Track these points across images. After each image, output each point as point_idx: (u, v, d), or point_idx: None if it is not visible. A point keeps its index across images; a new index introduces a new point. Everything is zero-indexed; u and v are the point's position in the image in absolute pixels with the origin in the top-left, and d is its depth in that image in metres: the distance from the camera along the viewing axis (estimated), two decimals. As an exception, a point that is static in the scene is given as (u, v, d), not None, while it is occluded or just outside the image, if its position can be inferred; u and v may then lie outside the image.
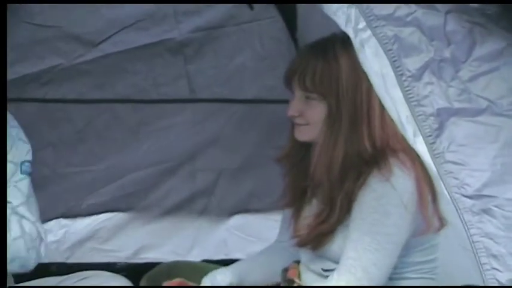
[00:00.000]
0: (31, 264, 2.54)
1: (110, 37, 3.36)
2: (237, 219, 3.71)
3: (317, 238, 2.30)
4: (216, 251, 3.67)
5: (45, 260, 2.74)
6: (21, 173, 2.54)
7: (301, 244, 2.36)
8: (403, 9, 2.08)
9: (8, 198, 2.49)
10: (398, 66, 2.11)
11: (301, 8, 3.20)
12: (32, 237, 2.51)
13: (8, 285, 2.54)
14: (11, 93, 3.27)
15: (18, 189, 2.52)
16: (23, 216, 2.52)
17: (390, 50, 2.10)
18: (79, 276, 2.68)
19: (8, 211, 2.49)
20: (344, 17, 2.13)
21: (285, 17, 3.33)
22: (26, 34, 3.28)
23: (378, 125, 2.25)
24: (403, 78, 2.10)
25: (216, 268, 2.68)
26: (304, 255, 2.41)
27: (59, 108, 3.47)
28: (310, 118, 2.31)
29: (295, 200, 2.44)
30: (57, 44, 3.34)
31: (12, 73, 3.34)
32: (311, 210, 2.38)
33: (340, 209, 2.26)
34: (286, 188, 2.46)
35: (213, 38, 3.42)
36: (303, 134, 2.35)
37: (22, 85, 3.39)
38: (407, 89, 2.12)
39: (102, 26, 3.33)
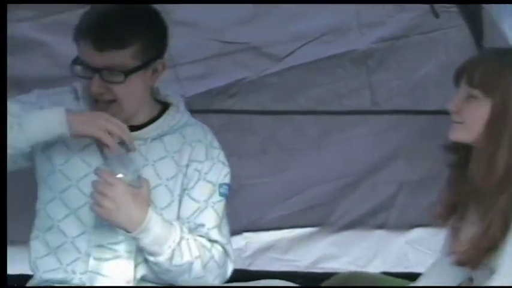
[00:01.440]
0: None
1: (295, 51, 3.42)
2: (417, 233, 3.68)
3: (475, 257, 2.26)
4: (395, 263, 3.65)
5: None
6: (220, 195, 2.59)
7: (460, 263, 2.31)
8: None
9: (202, 220, 2.56)
10: None
11: (487, 15, 3.15)
12: (219, 264, 2.55)
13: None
14: (200, 105, 3.43)
15: (214, 210, 2.56)
16: (215, 241, 2.55)
17: None
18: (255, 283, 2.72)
19: (201, 233, 2.56)
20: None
21: (471, 25, 3.27)
22: (215, 51, 3.40)
23: None
24: None
25: (393, 280, 2.66)
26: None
27: (244, 120, 3.57)
28: (466, 116, 2.28)
29: (450, 211, 2.40)
30: (244, 59, 3.44)
31: (201, 86, 3.48)
32: (469, 225, 2.33)
33: (496, 226, 2.20)
34: (443, 196, 2.42)
35: (397, 49, 3.42)
36: (456, 133, 2.32)
37: (210, 97, 3.50)
38: None
39: (287, 40, 3.40)
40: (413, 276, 2.66)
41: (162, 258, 2.44)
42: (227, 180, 2.60)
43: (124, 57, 2.42)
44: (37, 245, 2.55)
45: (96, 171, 2.41)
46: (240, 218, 3.64)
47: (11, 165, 2.41)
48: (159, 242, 2.43)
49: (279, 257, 3.74)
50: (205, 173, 2.56)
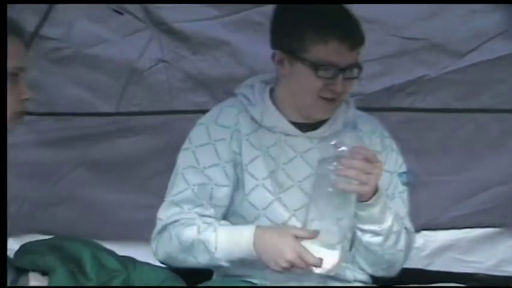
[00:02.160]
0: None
1: (478, 47, 3.34)
2: None
3: None
4: None
5: (406, 266, 2.82)
6: (402, 184, 2.60)
7: None
8: None
9: (394, 209, 2.57)
10: None
11: None
12: (409, 248, 2.59)
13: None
14: (378, 103, 3.41)
15: (401, 199, 2.61)
16: (405, 229, 2.59)
17: None
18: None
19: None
20: None
21: None
22: (394, 48, 3.37)
23: None
24: None
25: None
26: None
27: (423, 117, 3.51)
28: None
29: None
30: (424, 56, 3.38)
31: (380, 84, 3.45)
32: None
33: None
34: None
35: None
36: None
37: (389, 95, 3.47)
38: None
39: (469, 36, 3.32)
40: None
41: (386, 225, 2.48)
42: (404, 168, 2.62)
43: (359, 53, 2.49)
44: None
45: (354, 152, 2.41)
46: (419, 216, 3.54)
47: None
48: (385, 208, 2.48)
49: (459, 257, 3.66)
50: (384, 163, 2.56)
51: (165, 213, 2.52)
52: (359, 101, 2.75)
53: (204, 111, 2.79)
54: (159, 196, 3.49)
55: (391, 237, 2.50)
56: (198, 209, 2.51)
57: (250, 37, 3.33)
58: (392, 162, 2.61)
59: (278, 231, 2.40)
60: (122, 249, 2.97)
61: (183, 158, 2.56)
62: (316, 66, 2.43)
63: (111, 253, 2.63)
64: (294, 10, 2.49)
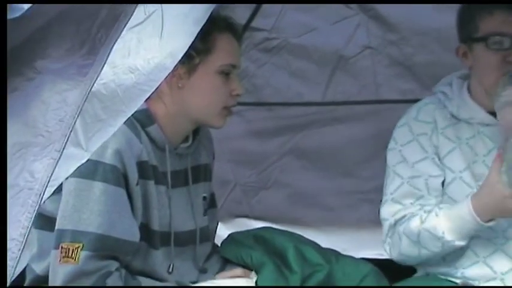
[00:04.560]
0: None
1: None
2: None
3: None
4: None
5: None
6: None
7: None
8: None
9: None
10: None
11: None
12: None
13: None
14: None
15: None
16: None
17: None
18: None
19: None
20: None
21: None
22: None
23: None
24: None
25: None
26: None
27: None
28: None
29: None
30: None
31: None
32: None
33: None
34: None
35: None
36: None
37: None
38: None
39: None
40: None
41: None
42: None
43: None
44: None
45: None
46: None
47: None
48: None
49: None
50: None
51: (388, 213, 2.57)
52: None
53: (411, 101, 2.80)
54: (363, 181, 3.52)
55: None
56: (420, 201, 2.54)
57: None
58: None
59: (488, 191, 2.41)
60: (326, 236, 3.01)
61: (392, 157, 2.61)
62: (485, 39, 2.45)
63: (314, 247, 2.69)
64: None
